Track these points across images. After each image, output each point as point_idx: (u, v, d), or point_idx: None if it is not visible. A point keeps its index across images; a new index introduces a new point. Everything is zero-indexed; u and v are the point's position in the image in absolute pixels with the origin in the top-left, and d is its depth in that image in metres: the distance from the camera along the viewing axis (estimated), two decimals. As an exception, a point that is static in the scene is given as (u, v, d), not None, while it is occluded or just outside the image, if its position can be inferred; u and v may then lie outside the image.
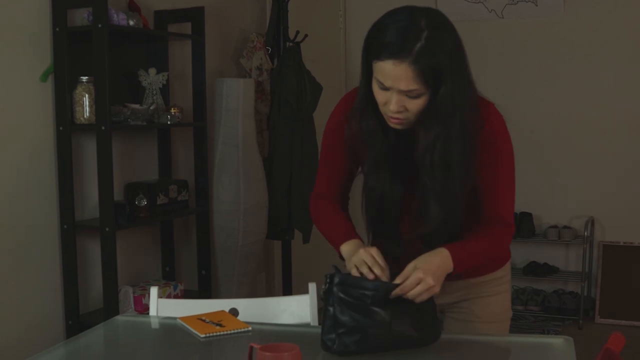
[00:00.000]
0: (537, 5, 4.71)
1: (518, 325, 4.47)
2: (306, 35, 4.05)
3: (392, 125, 1.65)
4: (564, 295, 4.65)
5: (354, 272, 1.61)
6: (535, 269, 4.70)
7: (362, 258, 1.61)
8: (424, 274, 1.54)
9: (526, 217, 4.72)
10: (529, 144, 4.77)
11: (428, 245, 1.66)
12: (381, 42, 1.56)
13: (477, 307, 1.87)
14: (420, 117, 1.62)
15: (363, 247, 1.68)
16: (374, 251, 1.62)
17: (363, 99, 1.69)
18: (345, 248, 1.72)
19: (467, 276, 1.83)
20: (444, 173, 1.64)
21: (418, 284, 1.54)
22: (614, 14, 4.59)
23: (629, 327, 4.42)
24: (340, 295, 1.56)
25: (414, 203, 1.70)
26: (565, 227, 4.67)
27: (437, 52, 1.54)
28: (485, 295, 1.88)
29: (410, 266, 1.57)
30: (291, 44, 4.05)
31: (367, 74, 1.64)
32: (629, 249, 4.62)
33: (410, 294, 1.54)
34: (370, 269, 1.58)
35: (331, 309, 1.56)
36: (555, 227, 4.66)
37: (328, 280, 1.59)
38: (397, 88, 1.56)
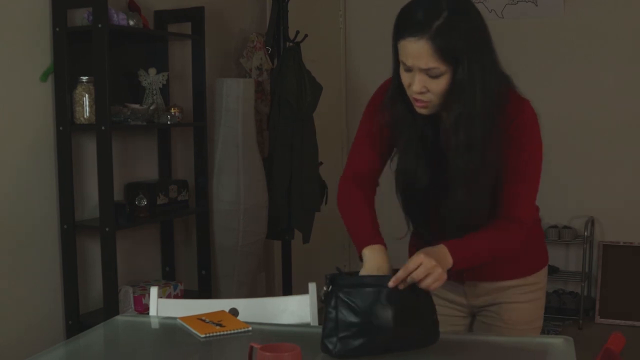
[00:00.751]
0: (537, 5, 4.71)
1: (518, 325, 4.47)
2: (306, 35, 4.04)
3: (417, 110, 1.67)
4: (564, 295, 4.65)
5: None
6: (535, 269, 4.70)
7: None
8: (424, 257, 1.55)
9: (526, 217, 4.72)
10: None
11: (452, 232, 1.66)
12: (404, 22, 1.59)
13: (505, 312, 1.86)
14: (443, 100, 1.63)
15: (384, 255, 1.66)
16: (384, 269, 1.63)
17: (393, 86, 1.71)
18: (367, 252, 1.68)
19: (473, 276, 1.83)
20: (469, 155, 1.64)
21: (419, 267, 1.54)
22: (614, 14, 4.59)
23: (629, 327, 4.42)
24: (342, 298, 1.55)
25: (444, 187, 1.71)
26: (565, 227, 4.67)
27: (456, 32, 1.56)
28: (515, 301, 1.86)
29: (416, 257, 1.58)
30: (291, 44, 4.04)
31: (396, 58, 1.66)
32: (629, 249, 4.62)
33: (415, 275, 1.54)
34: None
35: (333, 311, 1.55)
36: (555, 227, 4.66)
37: (329, 282, 1.58)
38: (417, 66, 1.58)
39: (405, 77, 1.63)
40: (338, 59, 5.15)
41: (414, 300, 1.56)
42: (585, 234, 4.50)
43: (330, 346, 1.54)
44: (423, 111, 1.66)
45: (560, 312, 4.57)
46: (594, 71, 4.65)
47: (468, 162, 1.65)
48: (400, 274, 1.54)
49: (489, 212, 1.71)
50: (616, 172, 4.65)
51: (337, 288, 1.56)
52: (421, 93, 1.61)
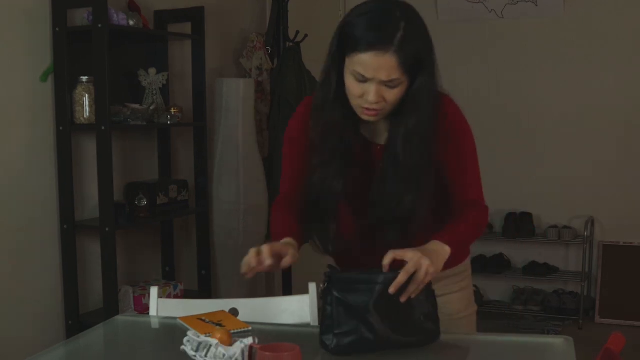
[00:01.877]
0: (537, 5, 4.71)
1: (518, 325, 4.47)
2: (306, 35, 4.05)
3: (365, 117, 1.68)
4: (564, 295, 4.65)
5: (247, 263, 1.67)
6: (535, 269, 4.70)
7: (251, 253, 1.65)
8: (423, 258, 1.54)
9: (526, 217, 4.72)
10: (529, 144, 4.77)
11: (390, 242, 1.66)
12: (358, 35, 1.59)
13: (445, 304, 1.85)
14: (395, 108, 1.66)
15: (284, 245, 1.68)
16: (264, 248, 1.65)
17: (330, 95, 1.70)
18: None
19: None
20: (419, 157, 1.68)
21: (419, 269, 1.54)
22: (614, 14, 4.58)
23: (629, 327, 4.42)
24: (337, 295, 1.56)
25: (371, 194, 1.73)
26: (565, 227, 4.67)
27: (417, 40, 1.60)
28: (451, 292, 1.89)
29: (413, 258, 1.57)
30: (291, 44, 4.05)
31: (339, 68, 1.66)
32: (629, 249, 4.62)
33: (416, 279, 1.54)
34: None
35: (329, 308, 1.56)
36: (555, 227, 4.66)
37: (326, 279, 1.59)
38: (378, 79, 1.59)
39: (356, 88, 1.63)
40: (338, 59, 5.14)
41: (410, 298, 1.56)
42: (585, 234, 4.49)
43: (328, 342, 1.55)
44: (372, 119, 1.68)
45: (560, 312, 4.57)
46: (594, 71, 4.65)
47: (418, 164, 1.68)
48: (401, 278, 1.54)
49: (432, 216, 1.73)
50: (616, 172, 4.65)
51: (333, 285, 1.57)
52: (377, 102, 1.62)
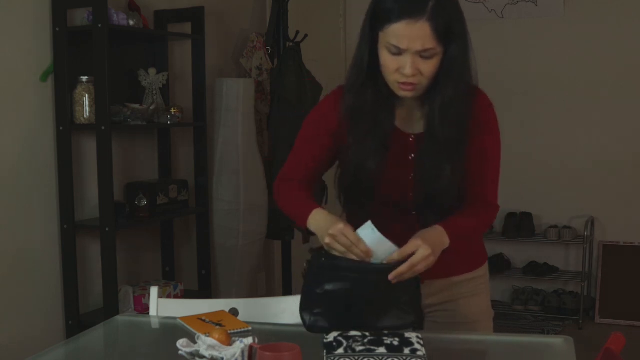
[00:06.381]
0: (537, 5, 4.71)
1: (518, 325, 4.47)
2: (306, 35, 4.04)
3: (402, 93, 1.67)
4: (564, 295, 4.65)
5: (331, 246, 1.60)
6: (535, 269, 4.70)
7: (336, 239, 1.59)
8: (424, 247, 1.56)
9: (526, 217, 4.72)
10: (529, 144, 4.77)
11: (427, 216, 1.69)
12: (390, 6, 1.60)
13: (462, 307, 1.88)
14: (432, 82, 1.65)
15: (331, 218, 1.64)
16: (345, 229, 1.58)
17: (362, 73, 1.70)
18: (314, 221, 1.68)
19: (429, 275, 1.84)
20: (456, 132, 1.68)
21: (416, 251, 1.56)
22: (614, 14, 4.59)
23: (629, 327, 4.42)
24: (317, 279, 1.62)
25: (415, 172, 1.73)
26: (565, 227, 4.67)
27: (449, 9, 1.60)
28: (470, 294, 1.89)
29: (411, 241, 1.59)
30: (291, 44, 4.04)
31: (372, 44, 1.66)
32: (629, 249, 4.62)
33: (416, 270, 1.56)
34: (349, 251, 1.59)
35: (308, 287, 1.64)
36: (555, 227, 4.66)
37: (308, 263, 1.67)
38: (413, 49, 1.59)
39: (392, 62, 1.63)
40: (338, 59, 5.14)
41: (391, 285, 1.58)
42: (585, 234, 4.50)
43: (306, 318, 1.63)
44: (409, 94, 1.67)
45: (560, 312, 4.58)
46: (594, 71, 4.65)
47: (457, 140, 1.69)
48: (404, 268, 1.55)
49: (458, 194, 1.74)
50: (616, 172, 4.65)
51: (315, 268, 1.63)
52: (413, 76, 1.62)
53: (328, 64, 4.90)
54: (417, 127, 1.77)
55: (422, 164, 1.73)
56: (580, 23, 4.65)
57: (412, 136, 1.77)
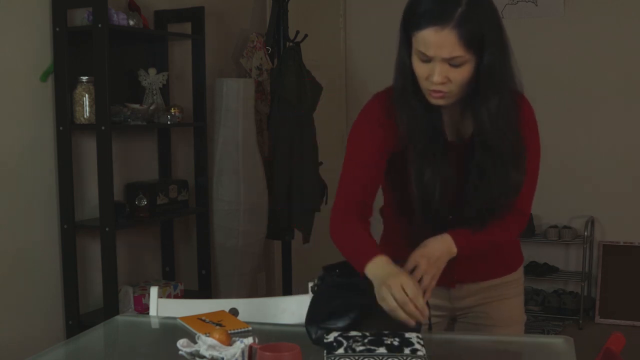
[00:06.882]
0: (537, 5, 4.71)
1: (518, 325, 4.47)
2: (306, 35, 4.04)
3: (433, 101, 1.62)
4: (564, 295, 4.65)
5: (384, 297, 1.51)
6: (535, 269, 4.70)
7: (391, 292, 1.50)
8: (420, 257, 1.57)
9: (526, 217, 4.71)
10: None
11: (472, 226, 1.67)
12: (420, 11, 1.55)
13: (495, 310, 1.87)
14: (471, 90, 1.60)
15: (392, 267, 1.55)
16: (405, 283, 1.49)
17: (404, 81, 1.65)
18: (372, 271, 1.57)
19: (464, 278, 1.84)
20: (513, 136, 1.64)
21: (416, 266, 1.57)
22: (614, 13, 4.58)
23: (629, 327, 4.42)
24: (327, 295, 1.63)
25: (471, 180, 1.67)
26: (565, 227, 4.67)
27: (479, 17, 1.54)
28: (504, 298, 1.88)
29: (413, 255, 1.60)
30: (291, 44, 4.04)
31: (408, 49, 1.61)
32: (629, 249, 4.62)
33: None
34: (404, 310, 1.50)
35: (318, 301, 1.65)
36: (555, 227, 4.66)
37: (319, 279, 1.66)
38: (439, 56, 1.54)
39: (422, 69, 1.58)
40: (338, 59, 5.14)
41: None
42: (585, 234, 4.49)
43: (312, 332, 1.62)
44: (440, 102, 1.62)
45: (560, 312, 4.57)
46: (594, 71, 4.65)
47: (516, 147, 1.64)
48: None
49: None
50: (616, 172, 4.65)
51: (325, 285, 1.64)
52: (442, 84, 1.57)
53: (328, 64, 4.90)
54: (459, 134, 1.71)
55: (482, 172, 1.66)
56: (580, 23, 4.65)
57: (460, 145, 1.71)
